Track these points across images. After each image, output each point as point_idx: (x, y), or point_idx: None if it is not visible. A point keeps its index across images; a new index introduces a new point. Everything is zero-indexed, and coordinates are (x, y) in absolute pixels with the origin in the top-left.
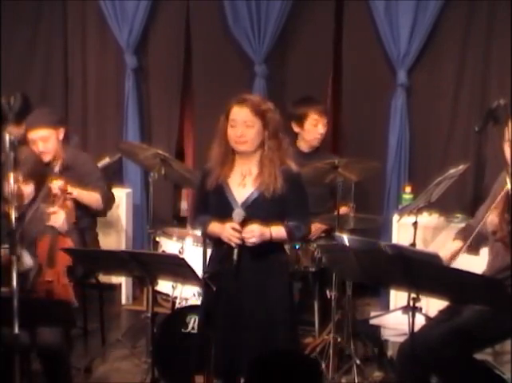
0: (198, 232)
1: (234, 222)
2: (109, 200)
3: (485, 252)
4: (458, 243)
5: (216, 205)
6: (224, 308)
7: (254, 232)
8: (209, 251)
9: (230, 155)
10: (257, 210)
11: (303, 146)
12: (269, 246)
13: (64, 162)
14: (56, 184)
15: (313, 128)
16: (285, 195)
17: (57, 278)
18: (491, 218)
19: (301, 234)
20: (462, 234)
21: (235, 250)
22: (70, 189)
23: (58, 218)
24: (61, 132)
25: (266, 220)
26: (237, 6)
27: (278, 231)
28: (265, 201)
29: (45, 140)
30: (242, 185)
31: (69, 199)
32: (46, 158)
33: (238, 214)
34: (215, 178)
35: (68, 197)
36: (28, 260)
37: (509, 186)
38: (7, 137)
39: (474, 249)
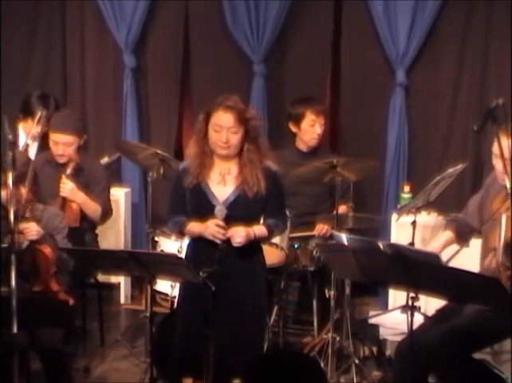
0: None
1: (216, 219)
2: (107, 214)
3: (474, 244)
4: (449, 234)
5: (195, 204)
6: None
7: (240, 233)
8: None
9: (208, 155)
10: (238, 208)
11: (301, 146)
12: (249, 246)
13: (76, 165)
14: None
15: (310, 129)
16: (266, 194)
17: (46, 287)
18: (487, 263)
19: (278, 230)
20: (453, 224)
21: (220, 247)
22: (74, 196)
23: (32, 231)
24: (83, 139)
25: (247, 219)
26: (235, 6)
27: (260, 230)
28: (247, 200)
29: (68, 146)
30: (222, 183)
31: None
32: (62, 160)
33: (221, 211)
34: (194, 177)
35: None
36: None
37: (503, 231)
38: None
39: (464, 241)
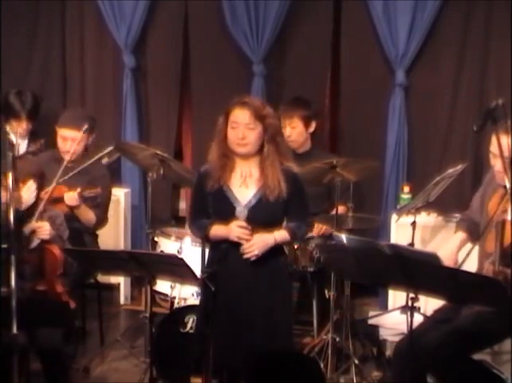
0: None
1: (237, 219)
2: (102, 223)
3: None
4: (461, 235)
5: (218, 207)
6: (223, 308)
7: (254, 246)
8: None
9: (229, 157)
10: (260, 212)
11: (293, 144)
12: (271, 250)
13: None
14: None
15: (284, 130)
16: (287, 196)
17: (50, 287)
18: (485, 270)
19: (302, 233)
20: (463, 224)
21: (221, 247)
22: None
23: (44, 230)
24: (91, 139)
25: (269, 222)
26: (235, 6)
27: (282, 235)
28: (269, 203)
29: (76, 142)
30: (244, 186)
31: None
32: (66, 157)
33: (242, 212)
34: (216, 181)
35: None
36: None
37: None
38: (12, 137)
39: (477, 239)
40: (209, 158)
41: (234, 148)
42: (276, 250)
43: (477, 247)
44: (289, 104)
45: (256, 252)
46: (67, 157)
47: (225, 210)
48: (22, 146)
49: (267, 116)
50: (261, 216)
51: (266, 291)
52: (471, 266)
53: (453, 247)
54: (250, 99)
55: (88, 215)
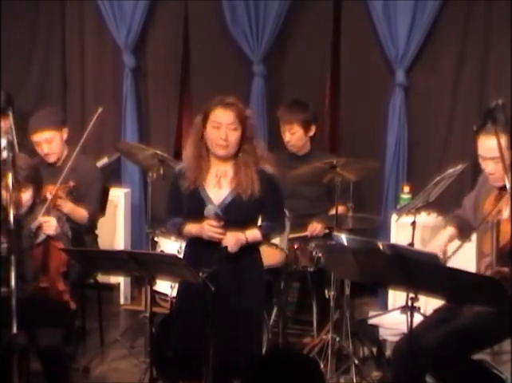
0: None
1: (207, 218)
2: (96, 217)
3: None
4: (451, 229)
5: (192, 207)
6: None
7: (230, 241)
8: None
9: (205, 157)
10: (233, 211)
11: (292, 148)
12: (244, 247)
13: (70, 189)
14: (50, 190)
15: (283, 135)
16: (261, 196)
17: (52, 284)
18: (482, 271)
19: (275, 233)
20: (454, 220)
21: (220, 247)
22: (60, 201)
23: (51, 225)
24: (65, 133)
25: (243, 221)
26: (235, 6)
27: (253, 234)
28: (242, 203)
29: (49, 142)
30: (218, 186)
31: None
32: (51, 159)
33: (210, 209)
34: (191, 182)
35: (58, 206)
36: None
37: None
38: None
39: (465, 236)
40: (184, 157)
41: (213, 149)
42: (249, 248)
43: (465, 246)
44: (287, 108)
45: (229, 249)
46: (50, 159)
47: (198, 210)
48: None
49: (247, 118)
50: (235, 215)
51: (233, 293)
52: (470, 266)
53: (441, 242)
54: (234, 100)
55: (79, 214)
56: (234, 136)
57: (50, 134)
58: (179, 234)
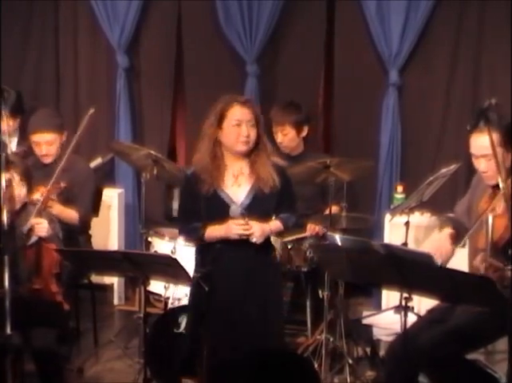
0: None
1: (234, 218)
2: (87, 218)
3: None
4: (449, 230)
5: (213, 210)
6: (219, 309)
7: (256, 232)
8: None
9: (220, 157)
10: (256, 207)
11: (285, 149)
12: (260, 246)
13: (61, 190)
14: (42, 191)
15: (275, 136)
16: (279, 188)
17: (45, 286)
18: (476, 265)
19: (292, 223)
20: (450, 222)
21: (215, 247)
22: (51, 203)
23: (42, 227)
24: (65, 136)
25: (265, 215)
26: (228, 6)
27: (276, 225)
28: (264, 197)
29: (50, 144)
30: (237, 185)
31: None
32: (47, 160)
33: (235, 209)
34: (210, 185)
35: (49, 207)
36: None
37: (490, 231)
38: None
39: (459, 239)
40: (198, 161)
41: (234, 147)
42: (267, 248)
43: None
44: (280, 110)
45: (254, 240)
46: (47, 161)
47: (220, 211)
48: (12, 145)
49: (259, 115)
50: (258, 211)
51: (260, 291)
52: (462, 267)
53: (444, 236)
54: (247, 98)
55: (68, 215)
56: (253, 133)
57: (52, 136)
58: (200, 239)
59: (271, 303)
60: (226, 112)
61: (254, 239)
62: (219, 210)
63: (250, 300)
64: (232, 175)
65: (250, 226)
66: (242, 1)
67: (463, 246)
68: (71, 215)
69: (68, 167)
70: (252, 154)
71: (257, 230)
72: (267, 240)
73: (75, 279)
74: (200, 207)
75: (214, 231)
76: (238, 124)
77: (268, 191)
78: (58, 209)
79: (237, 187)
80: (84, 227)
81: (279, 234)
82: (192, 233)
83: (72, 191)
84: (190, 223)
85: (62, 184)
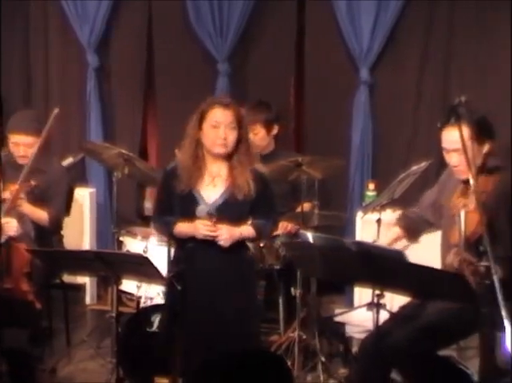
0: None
1: (200, 218)
2: (58, 218)
3: (425, 239)
4: (397, 230)
5: (185, 207)
6: (192, 308)
7: (223, 235)
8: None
9: (200, 158)
10: (227, 210)
11: (256, 148)
12: (234, 245)
13: (30, 189)
14: (11, 190)
15: None
16: (256, 196)
17: (16, 285)
18: (450, 260)
19: (268, 231)
20: (402, 222)
21: (188, 246)
22: (20, 202)
23: (11, 227)
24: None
25: (236, 220)
26: (199, 5)
27: (247, 230)
28: (236, 202)
29: (29, 147)
30: (212, 185)
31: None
32: (23, 161)
33: (202, 209)
34: (186, 184)
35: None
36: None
37: (462, 227)
38: None
39: (412, 237)
40: (180, 159)
41: (212, 148)
42: (241, 247)
43: (413, 245)
44: (250, 110)
45: (222, 242)
46: (23, 161)
47: (191, 210)
48: None
49: (243, 117)
50: (228, 214)
51: (234, 290)
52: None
53: (386, 240)
54: (230, 99)
55: (39, 215)
56: (232, 136)
57: (32, 139)
58: (170, 233)
59: (246, 303)
60: (206, 114)
61: (221, 242)
62: (191, 208)
63: (223, 299)
64: (210, 176)
65: (216, 228)
66: (212, 0)
67: (417, 241)
68: (41, 215)
69: (42, 167)
70: (233, 158)
71: (224, 233)
72: (241, 242)
73: (47, 279)
74: (173, 202)
75: (182, 228)
76: (216, 125)
77: (241, 197)
78: (28, 208)
79: (212, 188)
80: (55, 227)
81: (253, 240)
82: (164, 226)
83: (45, 191)
84: (163, 216)
85: (32, 182)
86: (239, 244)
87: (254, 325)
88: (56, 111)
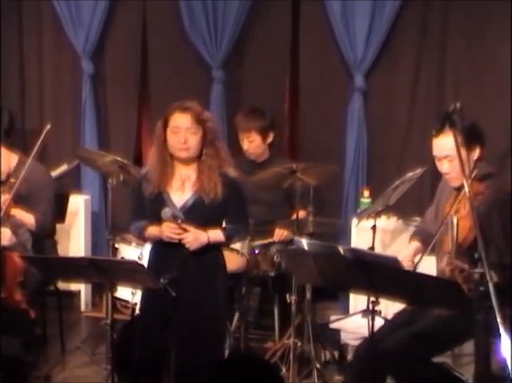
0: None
1: (165, 220)
2: (44, 225)
3: None
4: (416, 244)
5: (154, 210)
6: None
7: (188, 238)
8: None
9: (169, 162)
10: (195, 214)
11: (251, 156)
12: (208, 250)
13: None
14: (4, 201)
15: (242, 143)
16: (224, 200)
17: (9, 295)
18: (442, 267)
19: (238, 236)
20: (418, 235)
21: (182, 252)
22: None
23: (4, 236)
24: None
25: (205, 225)
26: (193, 11)
27: (216, 234)
28: (204, 206)
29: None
30: (181, 190)
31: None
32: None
33: (167, 212)
34: (155, 186)
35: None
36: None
37: (454, 233)
38: None
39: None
40: (148, 163)
41: (175, 153)
42: (213, 251)
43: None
44: (244, 116)
45: (187, 245)
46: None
47: (159, 213)
48: None
49: (207, 120)
50: (197, 218)
51: (201, 294)
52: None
53: (406, 254)
54: (191, 103)
55: (26, 219)
56: (193, 139)
57: (7, 153)
58: (141, 236)
59: (205, 300)
60: (168, 119)
61: (187, 245)
62: (159, 211)
63: (191, 304)
64: (179, 179)
65: (181, 230)
66: (207, 7)
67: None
68: (28, 219)
69: (26, 175)
70: (201, 161)
71: (190, 236)
72: (209, 246)
73: (41, 286)
74: (145, 206)
75: (152, 231)
76: (176, 131)
77: (208, 201)
78: (16, 212)
79: (181, 193)
80: (42, 232)
81: (221, 244)
82: (136, 230)
83: (29, 198)
84: (136, 220)
85: (12, 180)
86: (208, 248)
87: (215, 331)
88: (48, 126)
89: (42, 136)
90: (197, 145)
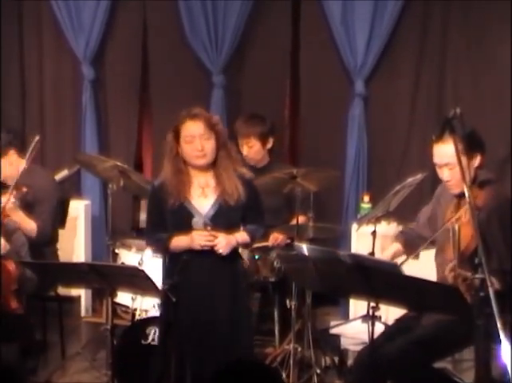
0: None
1: (197, 229)
2: (44, 234)
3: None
4: (397, 245)
5: (179, 221)
6: (187, 319)
7: (221, 243)
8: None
9: (184, 171)
10: (220, 219)
11: (251, 161)
12: (228, 256)
13: (22, 194)
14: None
15: (241, 149)
16: (246, 200)
17: (5, 303)
18: (445, 275)
19: (259, 235)
20: (401, 237)
21: (183, 258)
22: (9, 210)
23: None
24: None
25: (230, 227)
26: (194, 18)
27: (242, 236)
28: (229, 209)
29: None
30: (203, 196)
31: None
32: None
33: (197, 221)
34: (176, 198)
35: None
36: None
37: (456, 241)
38: None
39: (411, 253)
40: (163, 176)
41: (192, 162)
42: (235, 258)
43: (411, 261)
44: (244, 122)
45: (221, 251)
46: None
47: (185, 222)
48: None
49: (217, 124)
50: (222, 223)
51: (227, 302)
52: (431, 276)
53: (388, 253)
54: (199, 110)
55: (28, 225)
56: (209, 145)
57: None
58: (165, 249)
59: (240, 315)
60: (180, 129)
61: (219, 251)
62: (184, 221)
63: (216, 312)
64: (199, 187)
65: (213, 237)
66: (207, 12)
67: (416, 257)
68: (30, 225)
69: (30, 180)
70: (216, 165)
71: (221, 241)
72: (234, 251)
73: (39, 291)
74: (165, 218)
75: (178, 242)
76: (190, 140)
77: (233, 203)
78: (19, 217)
79: (203, 199)
80: (42, 240)
81: (246, 245)
82: (158, 244)
83: (33, 204)
84: (156, 234)
85: (24, 189)
86: (233, 255)
87: (246, 337)
88: (37, 138)
89: (31, 148)
90: (213, 150)
